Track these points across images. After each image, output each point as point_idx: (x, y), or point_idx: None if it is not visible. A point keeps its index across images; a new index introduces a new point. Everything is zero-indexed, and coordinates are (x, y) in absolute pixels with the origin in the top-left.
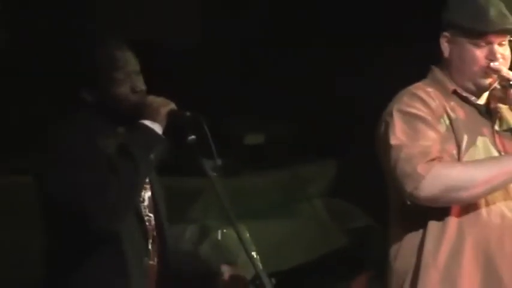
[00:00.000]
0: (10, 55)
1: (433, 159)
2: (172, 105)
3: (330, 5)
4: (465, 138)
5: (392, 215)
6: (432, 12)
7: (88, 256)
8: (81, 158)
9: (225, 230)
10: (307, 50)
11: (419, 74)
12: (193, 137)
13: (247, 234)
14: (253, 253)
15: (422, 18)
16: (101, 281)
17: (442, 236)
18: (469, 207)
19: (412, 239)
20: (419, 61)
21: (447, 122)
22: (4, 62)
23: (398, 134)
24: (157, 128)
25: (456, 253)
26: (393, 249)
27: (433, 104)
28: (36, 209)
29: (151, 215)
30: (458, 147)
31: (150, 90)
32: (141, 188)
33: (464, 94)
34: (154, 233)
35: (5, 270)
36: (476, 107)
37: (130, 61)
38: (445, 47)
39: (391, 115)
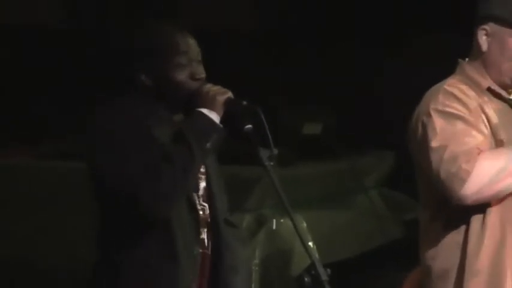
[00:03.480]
0: (68, 36)
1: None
2: (229, 94)
3: None
4: (502, 134)
5: (427, 213)
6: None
7: (138, 242)
8: (134, 142)
9: (281, 220)
10: (364, 40)
11: None
12: (250, 126)
13: (304, 224)
14: (309, 243)
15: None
16: (149, 267)
17: (484, 233)
18: (509, 201)
19: (452, 237)
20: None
21: (484, 120)
22: (61, 42)
23: (439, 135)
24: (215, 117)
25: (499, 249)
26: (431, 248)
27: (470, 102)
28: (88, 193)
29: (205, 204)
30: (497, 144)
31: (207, 79)
32: (195, 177)
33: (498, 91)
34: (208, 223)
35: (55, 253)
36: (508, 102)
37: (192, 48)
38: (483, 40)
39: (428, 115)
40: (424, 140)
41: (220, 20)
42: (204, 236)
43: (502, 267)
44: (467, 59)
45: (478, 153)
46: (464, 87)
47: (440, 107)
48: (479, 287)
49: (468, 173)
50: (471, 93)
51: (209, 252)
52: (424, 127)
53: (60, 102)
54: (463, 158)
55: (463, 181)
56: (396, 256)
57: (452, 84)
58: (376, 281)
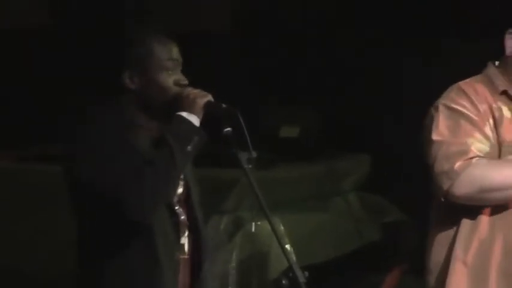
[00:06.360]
0: (54, 36)
1: (471, 158)
2: (209, 97)
3: None
4: (508, 138)
5: (433, 208)
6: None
7: (120, 249)
8: (118, 148)
9: (258, 222)
10: (345, 42)
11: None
12: (229, 129)
13: (281, 227)
14: (287, 246)
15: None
16: (132, 273)
17: (474, 233)
18: (502, 207)
19: (446, 233)
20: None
21: (491, 123)
22: (47, 43)
23: (440, 129)
24: (195, 120)
25: (485, 251)
26: (429, 242)
27: (480, 102)
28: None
29: (181, 209)
30: (500, 147)
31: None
32: (177, 180)
33: None
34: (188, 228)
35: (37, 259)
36: None
37: (178, 54)
38: (509, 44)
39: (436, 110)
40: (428, 132)
41: (193, 22)
42: (185, 241)
43: (487, 265)
44: (497, 62)
45: (474, 157)
46: (479, 86)
47: (448, 103)
48: (462, 276)
49: (458, 174)
50: (485, 93)
51: (188, 257)
52: (431, 120)
53: (46, 106)
54: (457, 158)
55: (452, 181)
56: (374, 259)
57: (468, 83)
58: (354, 283)
